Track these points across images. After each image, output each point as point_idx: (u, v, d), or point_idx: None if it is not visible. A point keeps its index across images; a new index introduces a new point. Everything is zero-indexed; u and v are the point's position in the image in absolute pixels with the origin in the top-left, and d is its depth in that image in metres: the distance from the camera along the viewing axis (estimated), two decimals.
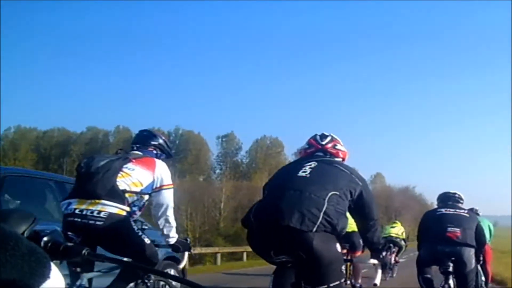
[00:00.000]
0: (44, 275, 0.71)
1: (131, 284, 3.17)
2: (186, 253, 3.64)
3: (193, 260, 13.93)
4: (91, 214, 2.95)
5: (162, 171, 3.32)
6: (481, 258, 5.30)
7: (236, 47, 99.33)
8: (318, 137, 2.96)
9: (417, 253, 5.09)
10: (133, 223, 3.14)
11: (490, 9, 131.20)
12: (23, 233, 1.00)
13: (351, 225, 9.70)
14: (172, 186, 3.37)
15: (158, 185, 3.28)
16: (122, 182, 3.11)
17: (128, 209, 3.08)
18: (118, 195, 3.04)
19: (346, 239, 8.99)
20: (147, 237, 3.19)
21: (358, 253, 9.04)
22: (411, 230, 33.16)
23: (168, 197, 3.31)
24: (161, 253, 7.70)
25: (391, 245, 11.54)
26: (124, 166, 3.19)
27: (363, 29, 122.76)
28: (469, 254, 4.58)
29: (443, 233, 4.60)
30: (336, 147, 2.93)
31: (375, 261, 2.88)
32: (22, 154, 53.92)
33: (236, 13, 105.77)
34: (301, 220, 2.30)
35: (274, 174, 2.92)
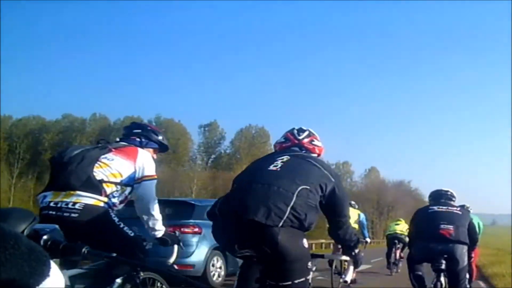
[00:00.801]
0: (44, 274, 0.75)
1: (118, 280, 3.14)
2: (176, 247, 3.61)
3: None
4: (65, 206, 2.93)
5: (144, 161, 3.30)
6: (472, 256, 5.43)
7: (222, 33, 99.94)
8: (295, 132, 3.00)
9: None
10: (113, 215, 3.10)
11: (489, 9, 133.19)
12: (22, 232, 1.04)
13: None
14: (155, 177, 3.35)
15: (140, 176, 3.26)
16: (100, 172, 3.08)
17: (105, 199, 3.05)
18: (94, 186, 3.01)
19: (357, 236, 9.34)
20: (131, 230, 3.15)
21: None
22: None
23: (151, 189, 3.30)
24: (207, 244, 7.98)
25: (396, 241, 12.64)
26: (103, 156, 3.17)
27: (361, 23, 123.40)
28: (462, 251, 4.73)
29: (435, 231, 4.74)
30: (313, 142, 2.98)
31: (347, 258, 2.96)
32: None
33: None
34: (266, 215, 2.33)
35: (246, 168, 2.96)
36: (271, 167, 2.62)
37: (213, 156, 61.13)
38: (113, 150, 3.26)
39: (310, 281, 2.53)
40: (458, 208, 5.11)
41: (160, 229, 3.37)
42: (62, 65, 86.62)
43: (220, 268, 8.36)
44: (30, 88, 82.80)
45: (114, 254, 2.84)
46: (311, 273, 2.55)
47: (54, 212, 2.92)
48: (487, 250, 22.64)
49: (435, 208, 5.07)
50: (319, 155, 2.99)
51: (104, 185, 3.07)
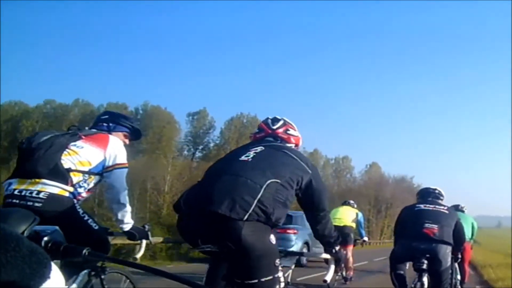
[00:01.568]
0: (45, 276, 0.77)
1: (83, 273, 3.19)
2: (144, 242, 3.61)
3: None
4: (30, 195, 2.94)
5: (115, 149, 3.33)
6: (459, 257, 5.65)
7: (213, 19, 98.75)
8: (269, 121, 3.02)
9: None
10: (78, 206, 3.11)
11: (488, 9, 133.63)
12: (23, 233, 1.09)
13: (342, 220, 10.31)
14: (126, 165, 3.38)
15: (110, 164, 3.29)
16: (68, 160, 3.11)
17: (71, 189, 3.06)
18: (61, 174, 3.03)
19: (338, 232, 9.60)
20: (96, 223, 3.18)
21: (350, 247, 9.84)
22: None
23: (122, 178, 3.32)
24: (301, 240, 14.04)
25: None
26: (72, 143, 3.19)
27: (370, 20, 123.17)
28: (445, 251, 4.85)
29: (419, 229, 4.87)
30: (288, 132, 2.98)
31: (327, 256, 2.92)
32: None
33: None
34: (231, 207, 2.31)
35: (219, 159, 2.97)
36: (243, 158, 2.62)
37: (200, 146, 60.71)
38: (84, 137, 3.29)
39: (282, 279, 2.52)
40: (446, 207, 5.21)
41: (128, 222, 3.38)
42: (47, 50, 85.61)
43: None
44: (13, 74, 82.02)
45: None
46: (281, 270, 2.51)
47: (17, 201, 2.94)
48: (491, 253, 22.90)
49: (422, 206, 5.20)
50: (297, 145, 3.00)
51: (71, 174, 3.09)
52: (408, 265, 5.30)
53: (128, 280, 3.72)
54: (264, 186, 2.42)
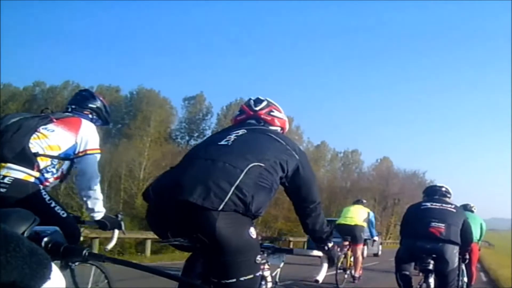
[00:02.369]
0: (45, 276, 0.81)
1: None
2: (116, 231, 3.58)
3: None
4: None
5: (87, 133, 3.32)
6: (467, 257, 5.75)
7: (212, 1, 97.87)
8: (251, 102, 2.92)
9: None
10: (44, 192, 3.10)
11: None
12: (23, 233, 1.14)
13: (354, 219, 10.59)
14: (98, 151, 3.38)
15: (82, 149, 3.29)
16: (36, 144, 3.11)
17: (37, 174, 3.07)
18: (27, 159, 3.04)
19: (348, 231, 9.98)
20: (64, 210, 3.16)
21: (360, 246, 10.05)
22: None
23: (93, 164, 3.32)
24: None
25: None
26: (43, 126, 3.19)
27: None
28: (452, 252, 4.91)
29: (425, 228, 4.94)
30: (272, 113, 2.87)
31: (319, 253, 2.77)
32: None
33: None
34: (204, 195, 2.15)
35: (197, 144, 2.84)
36: (222, 142, 2.49)
37: (196, 133, 60.66)
38: (55, 120, 3.29)
39: (269, 278, 2.46)
40: (453, 206, 5.26)
41: (100, 211, 3.37)
42: (43, 30, 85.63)
43: None
44: (6, 55, 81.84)
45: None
46: (262, 268, 2.41)
47: None
48: (502, 256, 23.05)
49: (428, 204, 5.26)
50: (282, 129, 2.90)
51: (38, 158, 3.10)
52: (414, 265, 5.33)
53: (99, 270, 3.67)
54: (246, 170, 2.28)
